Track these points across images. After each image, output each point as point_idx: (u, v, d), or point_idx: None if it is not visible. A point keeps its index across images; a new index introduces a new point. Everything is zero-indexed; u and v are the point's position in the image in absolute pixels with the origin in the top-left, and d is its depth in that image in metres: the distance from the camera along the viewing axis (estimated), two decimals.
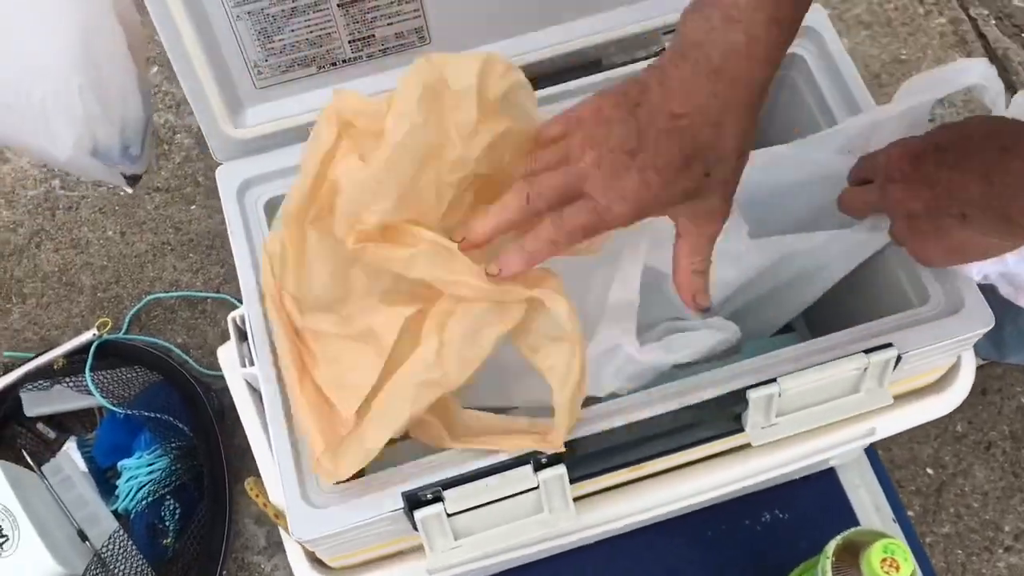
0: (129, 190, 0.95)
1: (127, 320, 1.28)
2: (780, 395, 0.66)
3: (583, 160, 0.56)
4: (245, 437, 0.76)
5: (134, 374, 1.17)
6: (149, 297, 1.29)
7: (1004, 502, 1.16)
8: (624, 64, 0.79)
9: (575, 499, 0.69)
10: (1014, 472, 1.17)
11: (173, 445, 1.11)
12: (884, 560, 0.73)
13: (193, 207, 1.36)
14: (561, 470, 0.66)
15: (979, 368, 1.19)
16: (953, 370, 0.77)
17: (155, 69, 1.43)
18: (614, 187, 0.55)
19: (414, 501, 0.65)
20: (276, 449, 0.66)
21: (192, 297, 1.29)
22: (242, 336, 0.72)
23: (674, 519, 0.99)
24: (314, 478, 0.65)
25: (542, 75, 0.78)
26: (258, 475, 0.73)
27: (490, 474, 0.65)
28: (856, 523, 0.99)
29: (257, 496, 0.73)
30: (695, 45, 0.54)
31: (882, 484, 1.00)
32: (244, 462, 1.16)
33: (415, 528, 0.65)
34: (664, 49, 0.71)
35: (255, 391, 0.73)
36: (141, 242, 1.35)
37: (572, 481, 0.67)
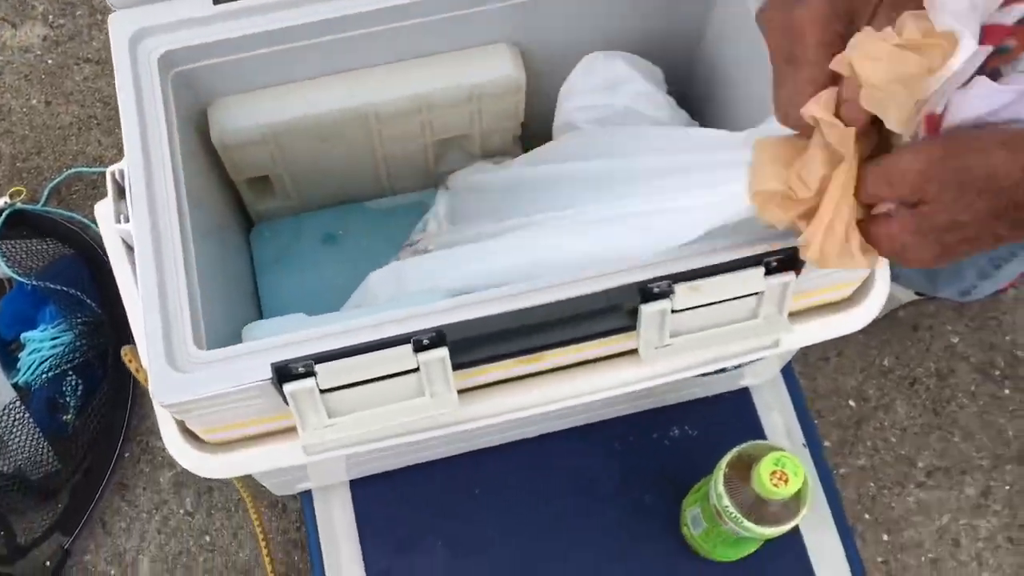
0: None
1: (45, 192, 1.23)
2: (674, 311, 0.63)
3: None
4: None
5: (45, 246, 1.13)
6: (70, 171, 1.25)
7: (921, 438, 1.15)
8: None
9: (462, 391, 0.66)
10: (935, 410, 1.17)
11: (79, 320, 1.08)
12: (774, 473, 0.71)
13: None
14: (443, 352, 0.63)
15: (911, 304, 1.19)
16: (866, 285, 0.74)
17: None
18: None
19: (284, 373, 0.61)
20: (144, 308, 0.63)
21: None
22: (120, 192, 0.68)
23: (583, 427, 0.98)
24: (183, 342, 0.62)
25: None
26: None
27: (368, 351, 0.62)
28: None
29: (131, 362, 0.69)
30: None
31: (796, 408, 0.98)
32: None
33: (286, 403, 0.63)
34: None
35: (130, 250, 0.69)
36: (66, 114, 1.30)
37: (456, 367, 0.64)
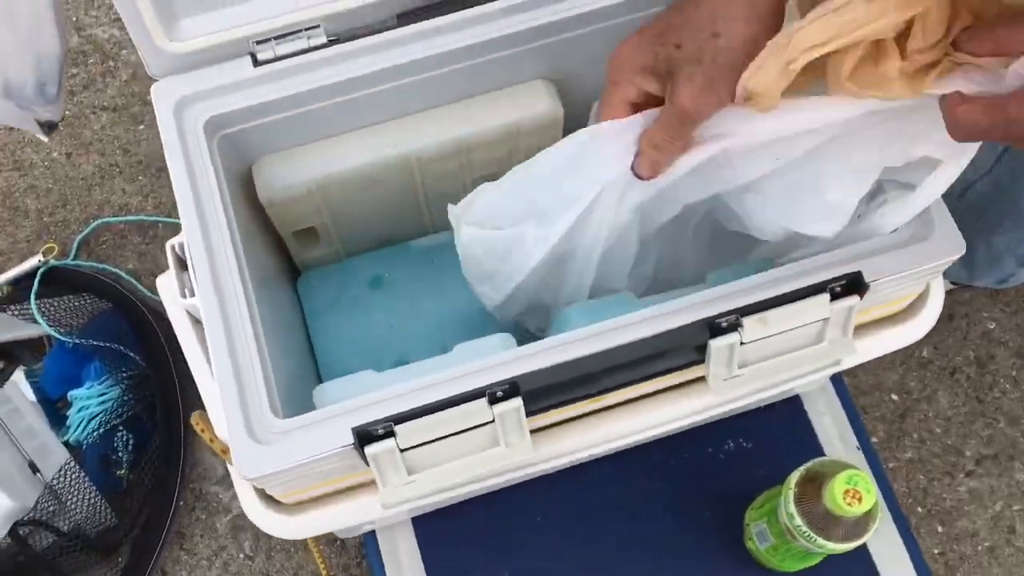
0: (45, 139, 0.88)
1: (75, 246, 1.23)
2: (742, 343, 0.64)
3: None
4: None
5: (82, 302, 1.13)
6: (97, 222, 1.25)
7: (966, 427, 1.16)
8: None
9: (532, 431, 0.67)
10: (977, 397, 1.17)
11: (124, 375, 1.08)
12: (847, 492, 0.72)
13: (141, 127, 1.31)
14: (517, 403, 0.64)
15: (947, 293, 1.19)
16: (922, 297, 0.75)
17: None
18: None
19: (365, 437, 0.62)
20: (220, 384, 0.63)
21: (143, 222, 1.24)
22: (182, 265, 0.69)
23: (636, 448, 0.98)
24: (261, 413, 0.63)
25: None
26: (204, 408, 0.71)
27: (444, 408, 0.63)
28: (820, 451, 0.98)
29: (203, 431, 0.70)
30: None
31: (847, 411, 0.99)
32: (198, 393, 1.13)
33: (367, 464, 0.63)
34: None
35: (197, 322, 0.69)
36: (88, 164, 1.30)
37: (528, 414, 0.65)
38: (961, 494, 1.12)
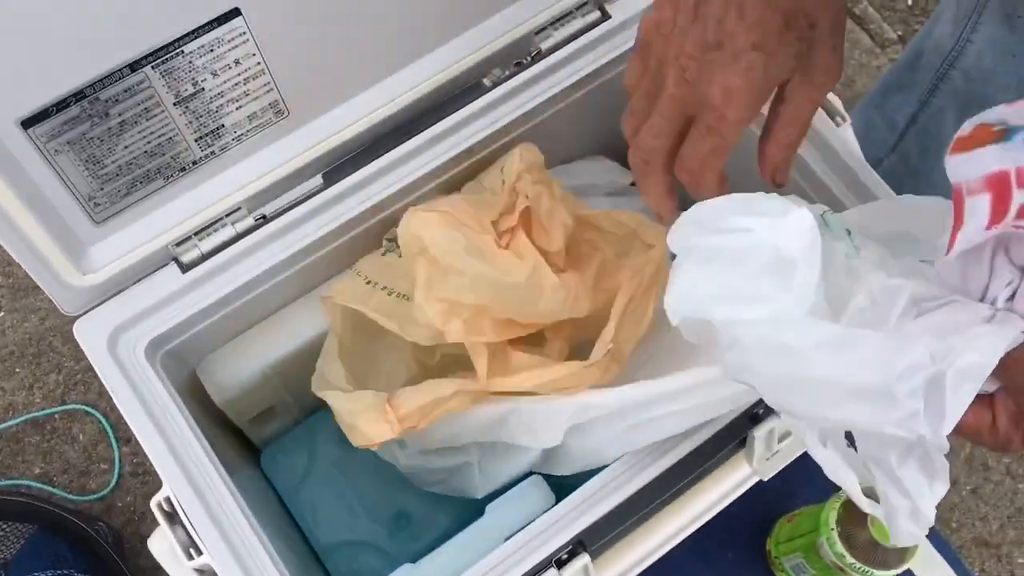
0: None
1: None
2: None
3: (668, 85, 0.48)
4: (151, 556, 0.63)
5: (2, 532, 1.00)
6: None
7: None
8: (509, 77, 0.69)
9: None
10: None
11: None
12: None
13: (0, 314, 1.18)
14: (585, 560, 0.60)
15: None
16: None
17: None
18: (714, 92, 0.47)
19: None
20: None
21: (36, 418, 1.12)
22: (172, 519, 0.61)
23: None
24: None
25: (425, 111, 0.69)
26: None
27: None
28: None
29: None
30: None
31: None
32: None
33: None
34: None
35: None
36: None
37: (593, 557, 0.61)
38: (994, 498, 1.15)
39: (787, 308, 0.46)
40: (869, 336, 0.45)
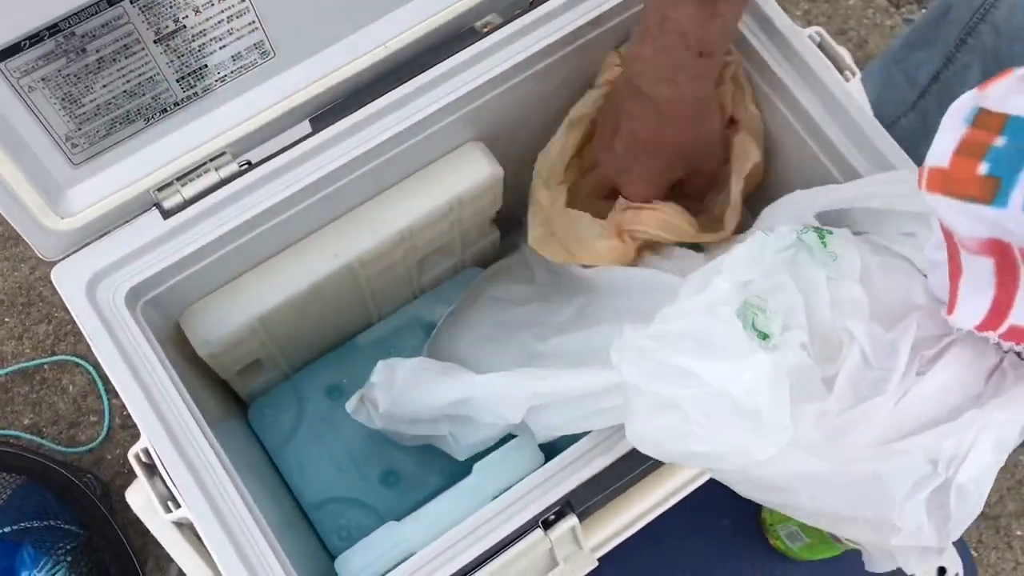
0: None
1: None
2: None
3: None
4: None
5: None
6: None
7: None
8: (507, 22, 0.67)
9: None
10: None
11: (63, 550, 0.96)
12: None
13: None
14: (572, 521, 0.59)
15: None
16: None
17: None
18: None
19: None
20: None
21: (26, 368, 1.10)
22: (151, 471, 0.59)
23: None
24: None
25: (416, 57, 0.66)
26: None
27: (499, 553, 0.57)
28: None
29: None
30: None
31: None
32: (149, 536, 1.02)
33: None
34: None
35: (183, 526, 0.60)
36: None
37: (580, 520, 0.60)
38: None
39: (761, 449, 0.45)
40: (862, 472, 0.45)
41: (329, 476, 0.80)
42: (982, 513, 1.10)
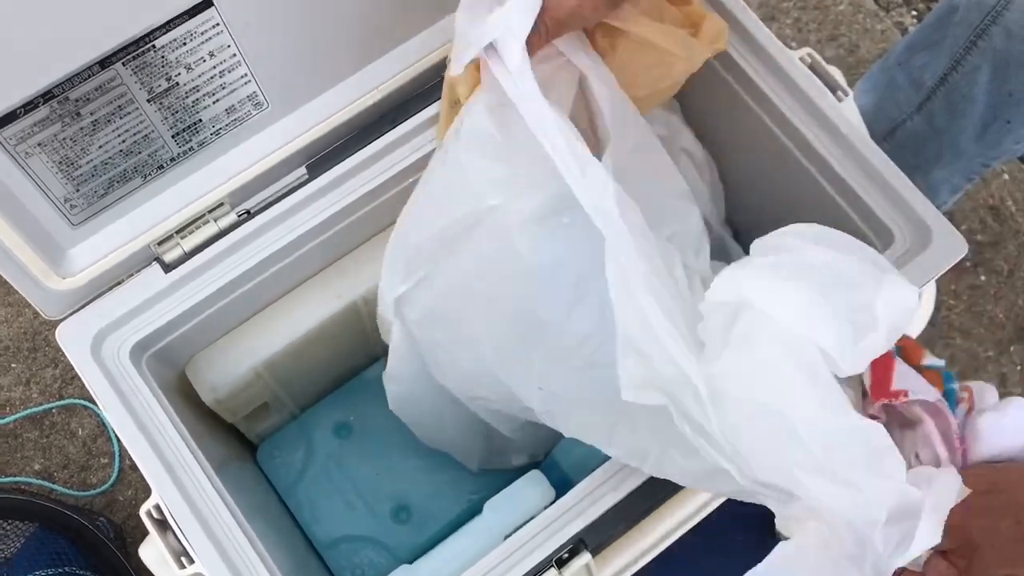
0: None
1: None
2: None
3: None
4: None
5: (2, 531, 0.99)
6: None
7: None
8: None
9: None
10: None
11: None
12: None
13: None
14: (586, 558, 0.59)
15: None
16: None
17: None
18: None
19: None
20: None
21: (34, 414, 1.10)
22: (163, 527, 0.59)
23: None
24: None
25: (411, 97, 0.67)
26: None
27: None
28: None
29: None
30: None
31: None
32: None
33: None
34: None
35: None
36: None
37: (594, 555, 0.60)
38: None
39: None
40: None
41: (340, 514, 0.80)
42: None
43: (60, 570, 0.96)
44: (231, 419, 0.75)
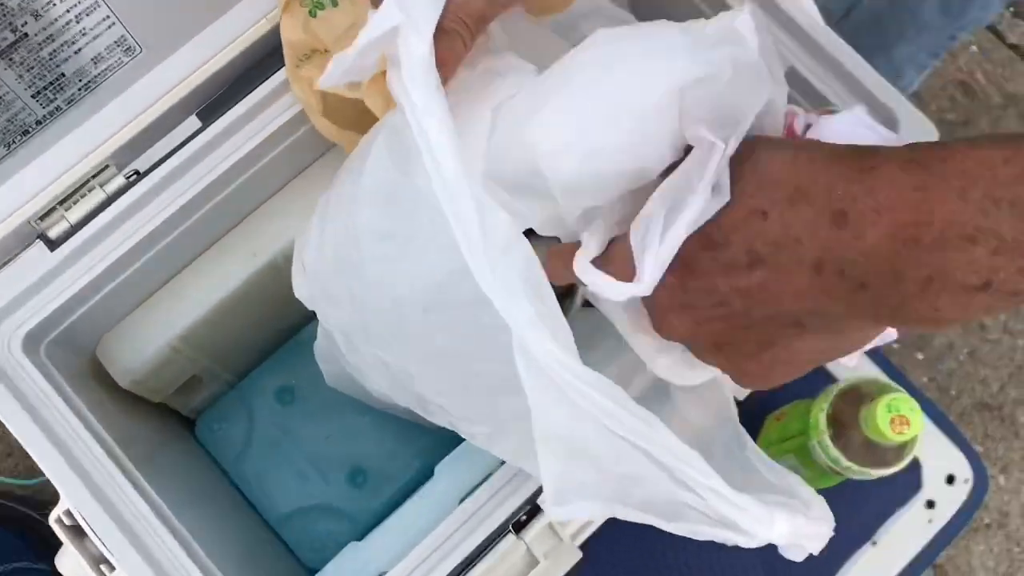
0: None
1: None
2: None
3: None
4: None
5: None
6: None
7: None
8: None
9: None
10: None
11: None
12: (893, 420, 0.65)
13: None
14: (546, 519, 0.54)
15: None
16: None
17: None
18: None
19: None
20: None
21: None
22: (79, 533, 0.53)
23: None
24: None
25: None
26: None
27: (474, 562, 0.52)
28: None
29: None
30: None
31: None
32: None
33: None
34: None
35: None
36: None
37: None
38: None
39: None
40: None
41: (292, 485, 0.74)
42: (985, 405, 1.06)
43: (13, 566, 0.91)
44: (158, 399, 0.69)
